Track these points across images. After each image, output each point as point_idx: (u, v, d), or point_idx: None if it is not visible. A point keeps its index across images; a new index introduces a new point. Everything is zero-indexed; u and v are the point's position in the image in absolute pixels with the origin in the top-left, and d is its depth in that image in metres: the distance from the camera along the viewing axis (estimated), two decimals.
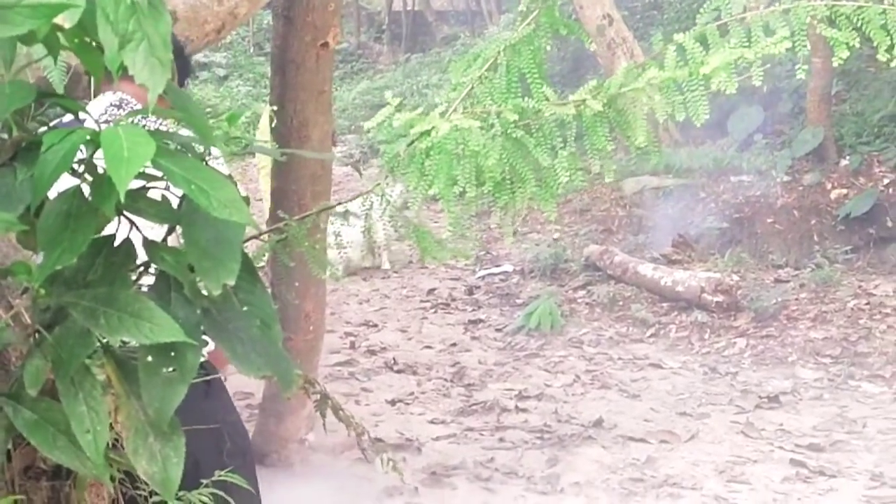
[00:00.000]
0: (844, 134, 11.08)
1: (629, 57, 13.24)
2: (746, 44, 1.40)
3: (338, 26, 4.19)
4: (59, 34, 1.38)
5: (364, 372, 7.06)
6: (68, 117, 2.29)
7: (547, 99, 1.51)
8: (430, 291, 9.43)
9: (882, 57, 1.47)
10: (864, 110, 11.14)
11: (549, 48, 1.69)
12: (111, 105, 2.63)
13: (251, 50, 24.15)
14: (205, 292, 1.46)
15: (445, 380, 6.92)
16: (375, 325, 8.35)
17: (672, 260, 9.50)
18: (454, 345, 7.78)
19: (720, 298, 7.90)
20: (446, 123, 1.36)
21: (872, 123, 10.90)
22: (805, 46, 1.45)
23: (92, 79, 2.46)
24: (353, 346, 7.70)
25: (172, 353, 1.41)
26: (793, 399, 6.31)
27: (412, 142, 1.55)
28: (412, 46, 25.95)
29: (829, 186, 10.59)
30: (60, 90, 1.96)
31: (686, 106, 1.49)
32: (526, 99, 1.54)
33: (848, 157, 10.88)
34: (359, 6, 26.49)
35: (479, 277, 9.85)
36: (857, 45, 1.56)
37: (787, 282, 8.55)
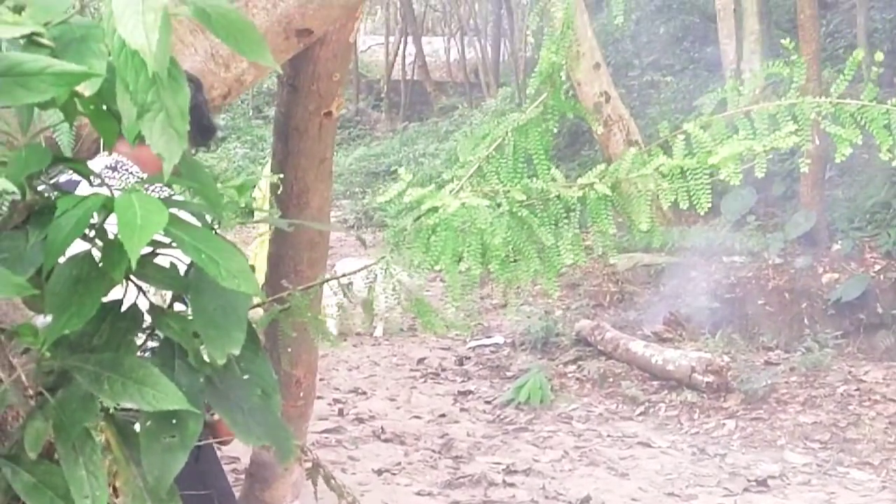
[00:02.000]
0: (837, 219, 11.17)
1: (625, 134, 13.39)
2: (752, 136, 1.44)
3: (341, 96, 4.23)
4: (77, 100, 1.40)
5: (351, 440, 7.02)
6: (65, 177, 2.32)
7: (554, 180, 1.54)
8: (421, 361, 9.41)
9: (885, 156, 1.50)
10: (857, 196, 11.25)
11: (555, 130, 1.72)
12: (106, 167, 2.65)
13: (250, 113, 24.34)
14: (208, 360, 1.48)
15: (433, 451, 6.88)
16: (364, 393, 8.32)
17: (663, 338, 9.51)
18: (443, 415, 7.75)
19: (710, 379, 7.89)
20: (455, 201, 1.38)
21: (865, 209, 11.00)
22: (808, 141, 1.48)
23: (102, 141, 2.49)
24: (341, 413, 7.67)
25: (174, 421, 1.42)
26: (781, 483, 6.29)
27: (419, 217, 1.57)
28: (410, 115, 26.20)
29: (820, 270, 10.64)
30: (69, 153, 1.98)
31: (690, 193, 1.51)
32: (533, 179, 1.57)
33: (840, 242, 10.96)
34: (358, 73, 26.74)
35: (470, 348, 9.84)
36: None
37: (778, 364, 8.55)
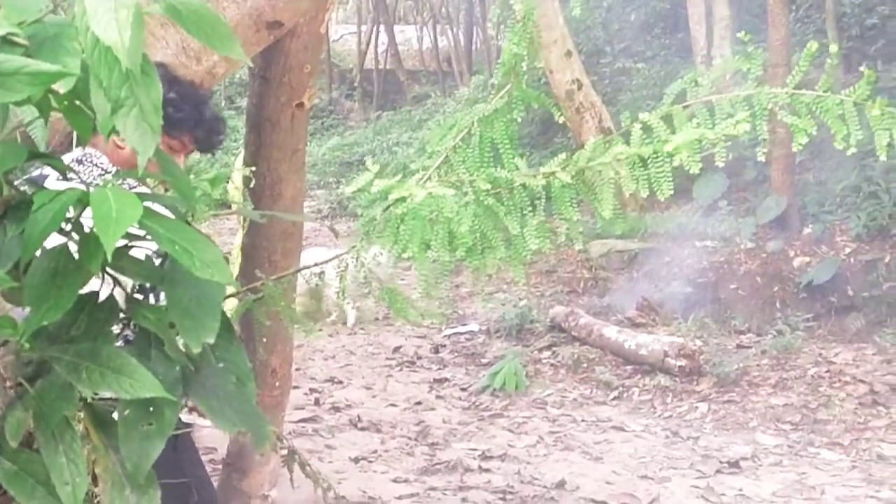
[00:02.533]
0: (808, 203, 11.27)
1: (597, 121, 13.47)
2: (710, 125, 1.48)
3: (313, 87, 4.26)
4: (51, 97, 1.43)
5: (328, 429, 7.05)
6: (36, 172, 2.34)
7: (518, 169, 1.58)
8: (396, 349, 9.45)
9: (839, 145, 1.55)
10: (827, 180, 11.35)
11: (520, 119, 1.77)
12: (74, 161, 2.68)
13: (223, 103, 24.25)
14: (183, 349, 1.52)
15: (409, 438, 6.92)
16: (340, 382, 8.35)
17: (636, 323, 9.59)
18: (419, 403, 7.79)
19: (683, 363, 7.97)
20: (422, 190, 1.42)
21: (835, 193, 11.10)
22: (765, 130, 1.53)
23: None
24: (317, 402, 7.70)
25: (151, 409, 1.45)
26: (753, 465, 6.36)
27: (388, 207, 1.61)
28: (383, 104, 26.20)
29: (791, 254, 10.74)
30: (43, 148, 2.00)
31: (650, 181, 1.56)
32: (498, 168, 1.61)
33: (811, 226, 11.06)
34: (331, 63, 26.70)
35: (445, 336, 9.88)
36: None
37: (749, 347, 8.65)
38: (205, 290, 1.46)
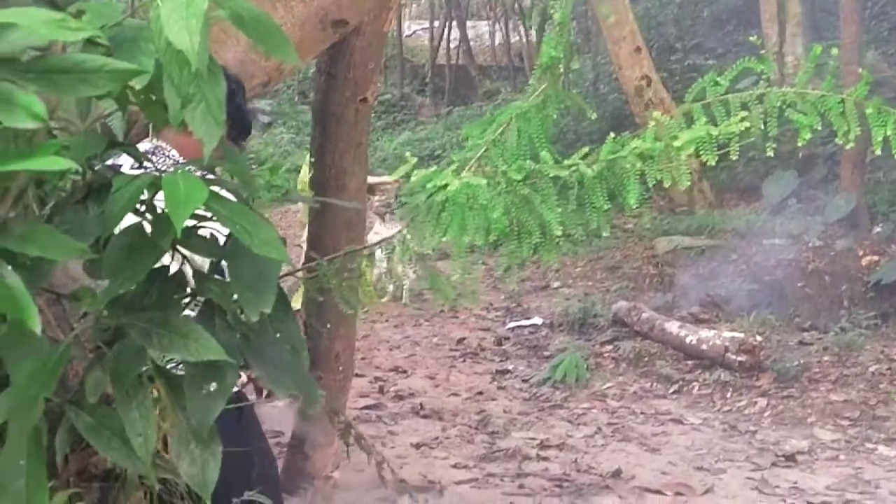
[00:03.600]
0: (878, 201, 11.20)
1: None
2: (717, 122, 1.61)
3: (376, 83, 4.44)
4: (129, 92, 1.60)
5: (391, 416, 7.24)
6: (110, 161, 2.55)
7: (547, 162, 1.73)
8: (460, 341, 9.61)
9: (840, 140, 1.67)
10: None
11: (555, 116, 1.91)
12: (146, 152, 2.88)
13: (296, 98, 24.55)
14: (244, 319, 1.69)
15: (470, 426, 7.08)
16: (405, 372, 8.54)
17: (700, 319, 9.63)
18: (480, 393, 7.95)
19: (743, 358, 8.01)
20: (458, 180, 1.57)
21: None
22: (776, 126, 1.65)
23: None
24: (381, 390, 7.89)
25: (214, 371, 1.63)
26: (809, 459, 6.42)
27: (430, 195, 1.77)
28: (454, 99, 26.24)
29: (860, 253, 10.67)
30: (122, 138, 2.19)
31: (671, 173, 1.69)
32: (530, 161, 1.76)
33: (881, 225, 10.99)
34: (403, 59, 26.89)
35: (509, 329, 10.02)
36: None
37: (811, 344, 8.65)
38: (263, 266, 1.63)
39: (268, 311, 1.60)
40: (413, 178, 1.65)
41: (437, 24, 27.67)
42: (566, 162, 1.69)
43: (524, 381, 8.33)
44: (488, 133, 1.88)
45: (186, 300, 1.70)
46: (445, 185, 1.63)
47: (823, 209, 11.41)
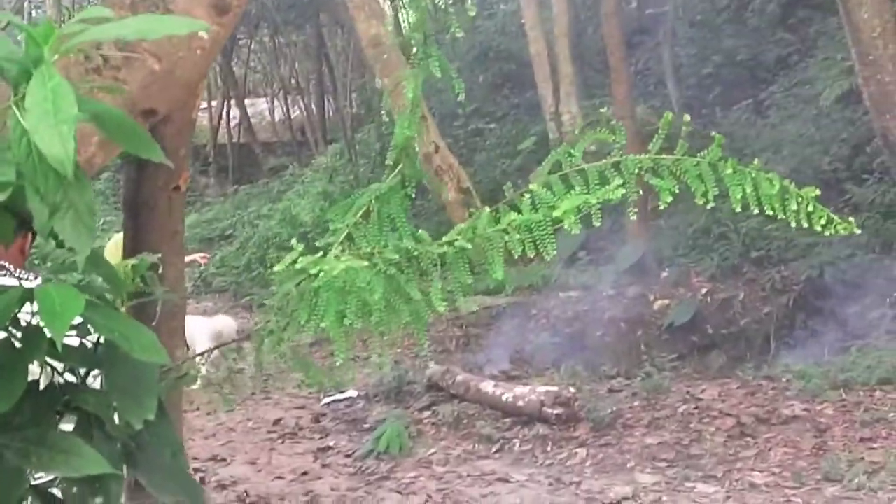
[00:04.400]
0: (662, 247, 11.76)
1: (456, 182, 13.76)
2: (585, 190, 1.68)
3: (188, 170, 4.37)
4: None
5: None
6: None
7: (420, 241, 1.75)
8: (277, 421, 9.45)
9: (699, 201, 1.77)
10: (679, 224, 11.87)
11: (413, 195, 1.94)
12: None
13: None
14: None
15: None
16: (224, 459, 8.32)
17: (511, 376, 9.84)
18: (305, 473, 7.83)
19: (559, 411, 8.21)
20: (340, 264, 1.57)
21: (687, 236, 11.62)
22: (637, 192, 1.74)
23: None
24: (203, 481, 7.66)
25: (97, 485, 1.56)
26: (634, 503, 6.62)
27: (301, 281, 1.76)
28: (240, 178, 26.04)
29: (651, 298, 11.17)
30: None
31: (536, 242, 1.75)
32: (407, 241, 1.78)
33: (667, 269, 11.54)
34: None
35: (325, 404, 9.93)
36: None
37: (621, 391, 8.96)
38: (141, 372, 1.58)
39: (151, 418, 1.55)
40: (298, 265, 1.64)
41: (214, 103, 27.47)
42: (445, 238, 1.72)
43: (347, 455, 8.26)
44: (349, 216, 1.89)
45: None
46: (321, 271, 1.63)
47: (613, 259, 11.89)
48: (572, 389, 8.62)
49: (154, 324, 4.43)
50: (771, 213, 1.84)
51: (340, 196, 15.58)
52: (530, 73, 15.57)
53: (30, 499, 1.58)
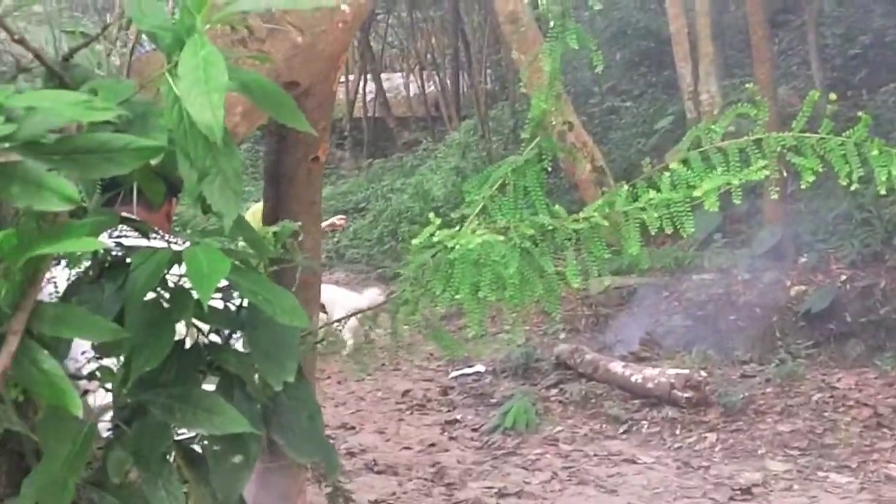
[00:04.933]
0: (801, 232, 11.45)
1: (590, 160, 13.64)
2: (725, 168, 1.66)
3: (327, 142, 4.46)
4: None
5: (345, 474, 7.15)
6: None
7: (555, 216, 1.76)
8: (405, 393, 9.58)
9: (843, 181, 1.73)
10: (819, 209, 11.53)
11: (549, 169, 1.95)
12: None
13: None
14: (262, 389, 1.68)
15: (426, 480, 7.05)
16: (353, 428, 8.48)
17: (640, 357, 9.74)
18: (432, 445, 7.92)
19: (690, 394, 8.11)
20: (477, 238, 1.59)
21: (828, 221, 11.29)
22: (778, 171, 1.71)
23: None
24: None
25: (238, 443, 1.61)
26: (764, 491, 6.50)
27: (436, 253, 1.78)
28: (374, 152, 26.27)
29: (788, 283, 10.89)
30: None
31: (673, 220, 1.73)
32: (542, 215, 1.79)
33: (806, 255, 11.23)
34: None
35: (453, 378, 10.01)
36: None
37: (753, 377, 8.80)
38: (283, 335, 1.62)
39: (291, 381, 1.59)
40: (436, 238, 1.66)
41: (351, 77, 27.77)
42: (581, 214, 1.72)
43: (474, 430, 8.33)
44: (485, 189, 1.90)
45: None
46: (457, 243, 1.65)
47: (749, 242, 11.63)
48: (703, 373, 8.51)
49: (293, 290, 4.55)
50: None
51: (472, 172, 15.62)
52: (669, 50, 15.29)
53: (173, 453, 1.64)
